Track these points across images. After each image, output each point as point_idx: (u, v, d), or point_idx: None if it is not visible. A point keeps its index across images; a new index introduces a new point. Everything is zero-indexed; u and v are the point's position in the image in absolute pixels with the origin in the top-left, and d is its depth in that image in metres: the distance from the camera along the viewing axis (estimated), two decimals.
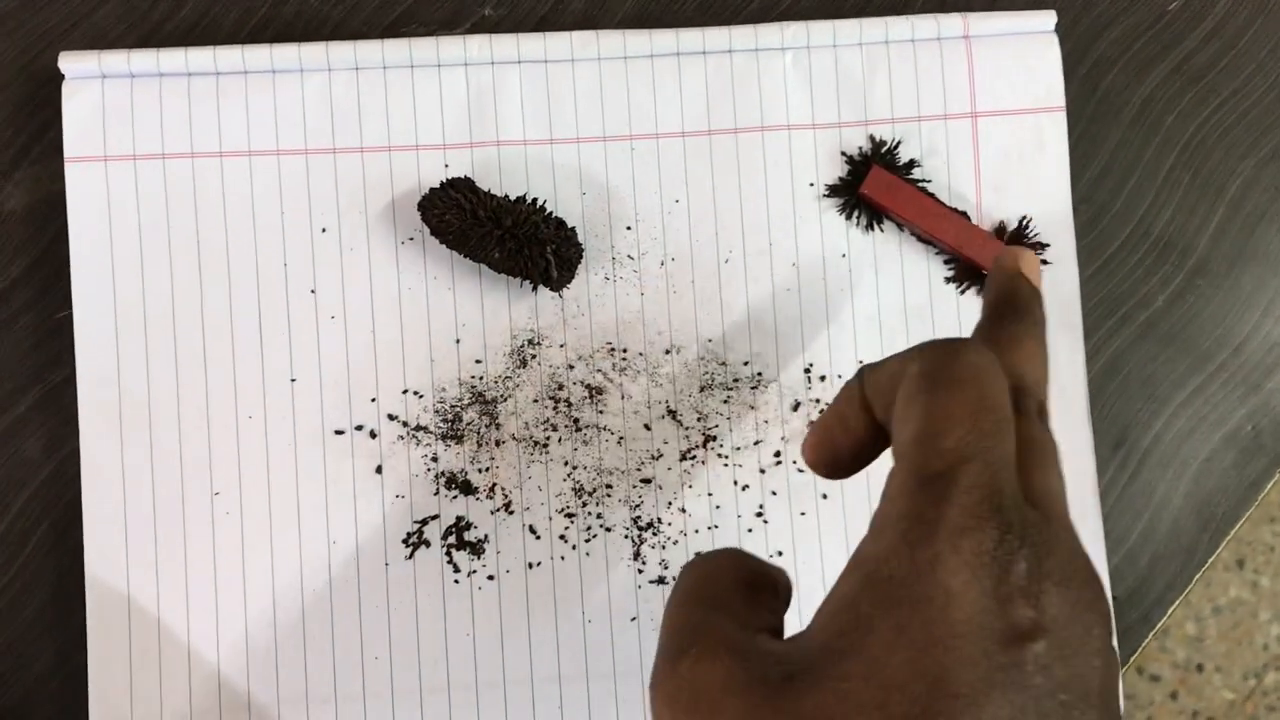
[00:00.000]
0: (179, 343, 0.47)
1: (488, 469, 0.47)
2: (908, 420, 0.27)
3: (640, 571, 0.47)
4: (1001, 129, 0.49)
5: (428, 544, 0.47)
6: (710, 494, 0.48)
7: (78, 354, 0.46)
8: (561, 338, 0.48)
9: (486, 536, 0.47)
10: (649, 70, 0.48)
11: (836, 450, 0.31)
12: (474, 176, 0.48)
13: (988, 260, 0.48)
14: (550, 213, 0.47)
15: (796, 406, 0.48)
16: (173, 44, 0.48)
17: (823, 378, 0.48)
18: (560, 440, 0.48)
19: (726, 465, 0.48)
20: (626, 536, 0.47)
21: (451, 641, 0.47)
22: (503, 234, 0.45)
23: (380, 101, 0.48)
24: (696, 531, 0.48)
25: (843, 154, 0.49)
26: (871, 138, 0.49)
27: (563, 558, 0.47)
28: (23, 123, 0.48)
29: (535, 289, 0.48)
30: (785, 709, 0.24)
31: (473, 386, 0.48)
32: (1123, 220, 0.50)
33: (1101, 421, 0.49)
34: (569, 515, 0.47)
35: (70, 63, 0.46)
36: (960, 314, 0.49)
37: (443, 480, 0.47)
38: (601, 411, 0.48)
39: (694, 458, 0.48)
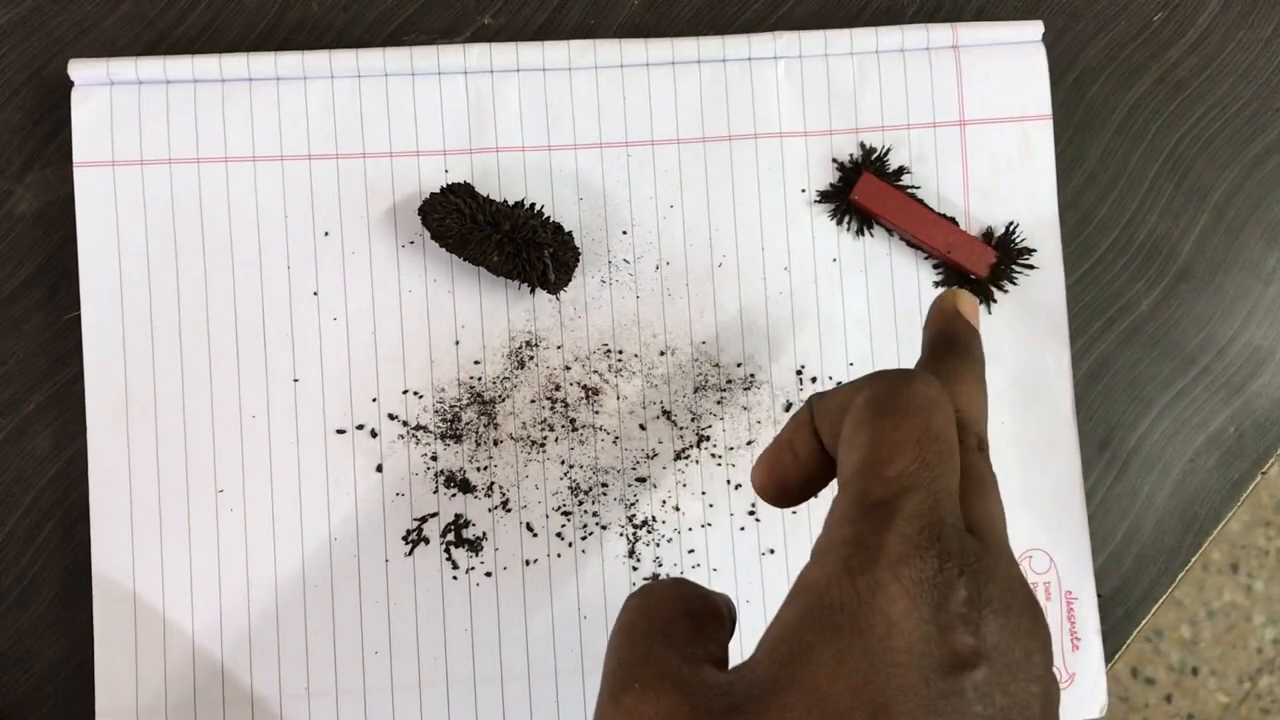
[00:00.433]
0: (184, 343, 0.48)
1: (486, 468, 0.49)
2: (854, 448, 0.27)
3: (635, 569, 0.48)
4: (989, 137, 0.50)
5: (427, 541, 0.48)
6: (704, 493, 0.49)
7: (85, 354, 0.48)
8: (558, 339, 0.49)
9: (485, 534, 0.48)
10: (645, 78, 0.50)
11: (785, 478, 0.31)
12: (473, 182, 0.49)
13: (976, 265, 0.49)
14: (548, 217, 0.48)
15: (788, 407, 0.49)
16: (179, 52, 0.49)
17: (814, 379, 0.49)
18: (557, 440, 0.49)
19: (720, 465, 0.49)
20: (622, 534, 0.49)
21: (450, 637, 0.48)
22: (501, 238, 0.46)
23: (382, 108, 0.49)
24: (690, 530, 0.49)
25: (834, 160, 0.50)
26: (862, 145, 0.50)
27: (559, 555, 0.48)
28: (33, 128, 0.49)
29: (533, 292, 0.49)
30: None
31: (471, 387, 0.49)
32: (1108, 226, 0.51)
33: (1087, 423, 0.51)
34: (565, 513, 0.49)
35: (79, 70, 0.48)
36: None
37: (442, 479, 0.48)
38: (597, 412, 0.49)
39: (688, 457, 0.49)
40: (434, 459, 0.48)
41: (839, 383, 0.49)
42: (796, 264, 0.50)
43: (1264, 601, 1.43)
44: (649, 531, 0.49)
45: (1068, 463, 0.50)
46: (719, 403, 0.49)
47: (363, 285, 0.49)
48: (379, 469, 0.48)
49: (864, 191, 0.49)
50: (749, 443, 0.49)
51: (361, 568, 0.48)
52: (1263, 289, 0.51)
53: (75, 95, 0.48)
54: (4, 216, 0.49)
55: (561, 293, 0.49)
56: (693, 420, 0.49)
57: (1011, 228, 0.50)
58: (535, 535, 0.48)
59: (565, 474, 0.49)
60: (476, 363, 0.49)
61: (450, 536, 0.48)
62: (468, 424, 0.49)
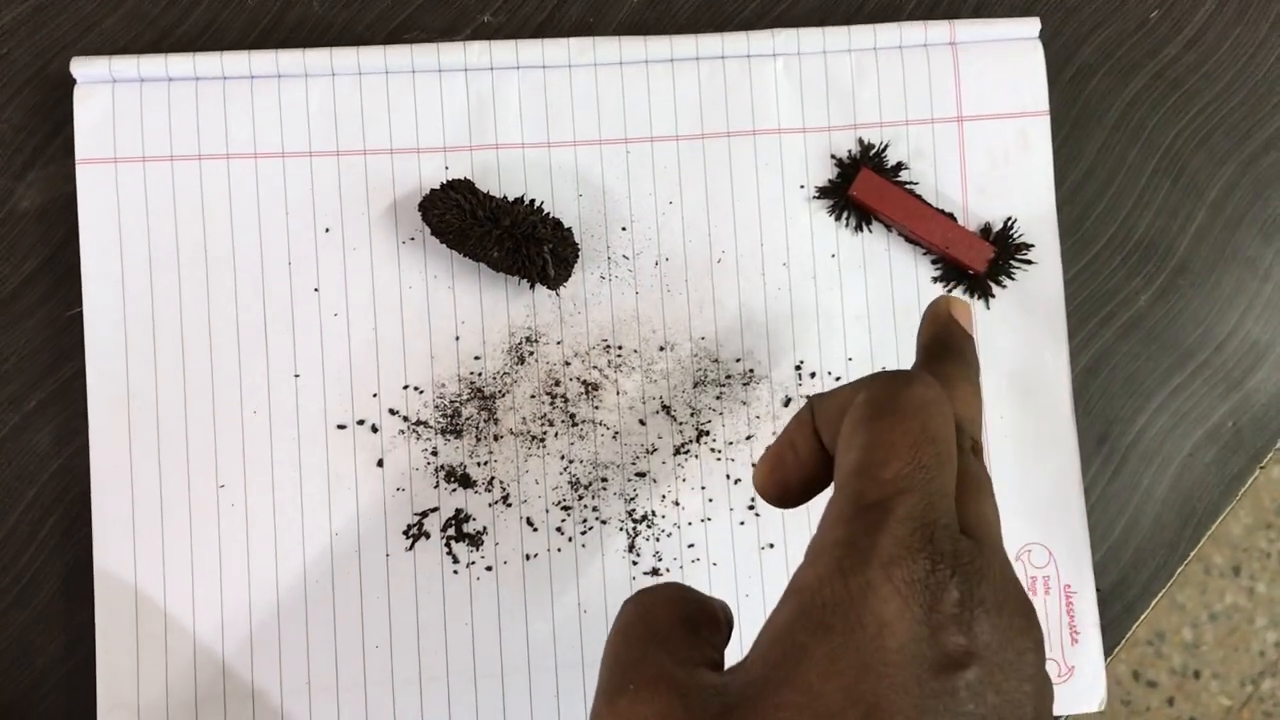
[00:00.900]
0: (186, 339, 0.48)
1: (486, 463, 0.49)
2: (850, 449, 0.28)
3: (635, 563, 0.49)
4: (987, 133, 0.50)
5: (427, 536, 0.48)
6: (703, 487, 0.49)
7: (87, 350, 0.48)
8: (558, 335, 0.49)
9: (485, 529, 0.48)
10: (644, 76, 0.50)
11: (787, 478, 0.31)
12: (474, 179, 0.49)
13: (974, 260, 0.49)
14: (547, 214, 0.48)
15: (787, 402, 0.49)
16: (181, 49, 0.50)
17: (813, 374, 0.50)
18: (557, 435, 0.49)
19: (719, 459, 0.49)
20: (621, 529, 0.49)
21: (451, 631, 0.48)
22: (501, 233, 0.47)
23: (382, 106, 0.49)
24: (690, 524, 0.49)
25: (832, 157, 0.50)
26: (860, 141, 0.50)
27: (559, 550, 0.49)
28: (36, 126, 0.49)
29: (533, 288, 0.49)
30: None
31: (472, 382, 0.49)
32: (1106, 222, 0.51)
33: (1085, 418, 0.51)
34: (565, 508, 0.49)
35: (82, 68, 0.48)
36: None
37: (442, 474, 0.49)
38: (597, 407, 0.49)
39: (687, 452, 0.49)
40: (434, 454, 0.49)
41: (838, 378, 0.50)
42: (795, 260, 0.50)
43: (1267, 604, 1.43)
44: (649, 526, 0.49)
45: (1066, 457, 0.50)
46: (718, 398, 0.49)
47: (363, 281, 0.49)
48: (380, 464, 0.48)
49: (862, 187, 0.49)
50: (748, 438, 0.49)
51: (362, 562, 0.48)
52: (1260, 284, 0.52)
53: (78, 93, 0.48)
54: (7, 213, 0.49)
55: (561, 288, 0.49)
56: (692, 415, 0.49)
57: (1009, 223, 0.50)
58: (535, 530, 0.49)
59: (565, 469, 0.49)
60: (477, 358, 0.49)
61: (451, 531, 0.48)
62: (468, 419, 0.49)
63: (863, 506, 0.26)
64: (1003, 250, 0.50)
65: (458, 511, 0.48)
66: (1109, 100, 0.52)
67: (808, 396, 0.31)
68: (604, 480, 0.49)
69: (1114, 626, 0.50)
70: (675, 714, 0.25)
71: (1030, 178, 0.51)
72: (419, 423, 0.49)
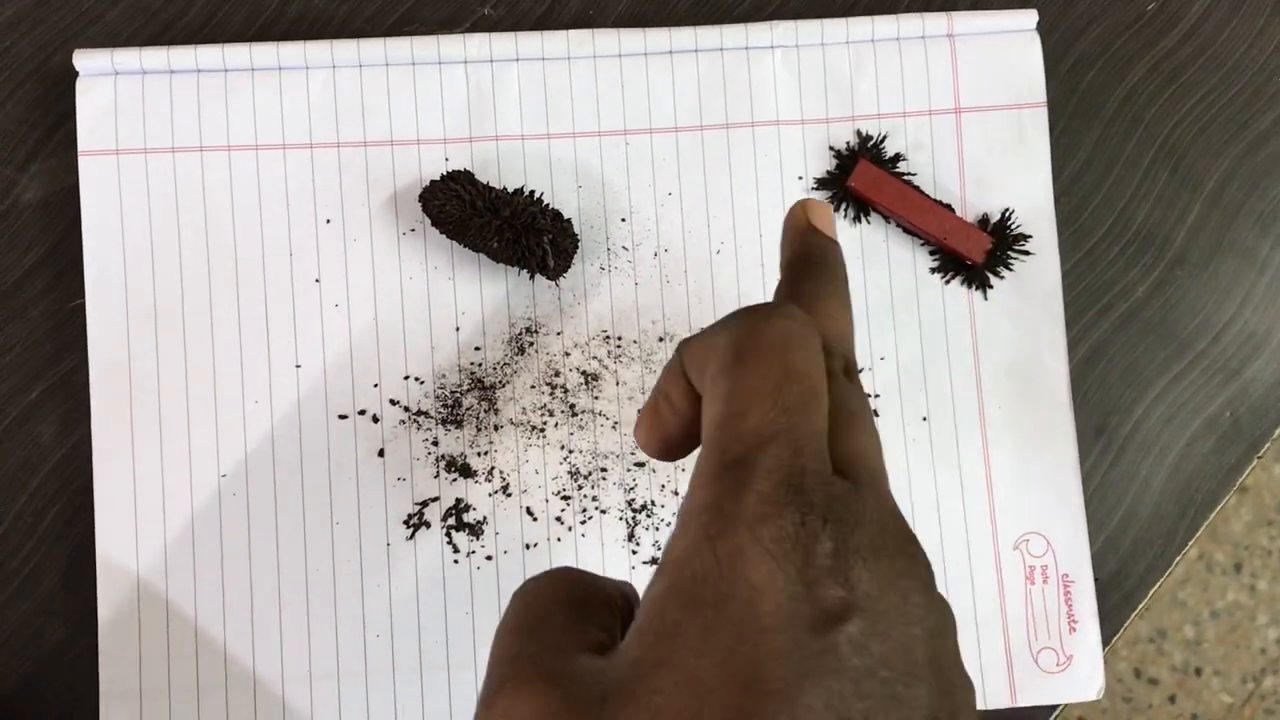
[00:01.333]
0: (187, 330, 0.48)
1: (486, 453, 0.49)
2: (714, 401, 0.26)
3: (634, 553, 0.49)
4: (985, 124, 0.51)
5: (428, 525, 0.48)
6: None
7: (90, 341, 0.48)
8: (558, 326, 0.49)
9: (485, 518, 0.49)
10: (643, 67, 0.50)
11: (666, 431, 0.29)
12: (473, 170, 0.49)
13: (972, 251, 0.49)
14: (547, 205, 0.48)
15: None
16: (183, 42, 0.50)
17: None
18: (557, 425, 0.49)
19: None
20: (621, 519, 0.49)
21: (451, 620, 0.48)
22: (501, 224, 0.47)
23: (383, 97, 0.49)
24: None
25: (830, 148, 0.50)
26: (858, 132, 0.50)
27: (559, 539, 0.49)
28: (39, 118, 0.50)
29: (533, 278, 0.49)
30: (590, 716, 0.23)
31: (472, 373, 0.49)
32: (1103, 213, 0.52)
33: (1083, 408, 0.51)
34: (565, 498, 0.49)
35: (84, 60, 0.48)
36: (945, 303, 0.50)
37: (443, 463, 0.49)
38: (597, 397, 0.49)
39: None
40: (435, 444, 0.49)
41: None
42: None
43: (1268, 602, 1.43)
44: (648, 515, 0.49)
45: (1064, 447, 0.50)
46: None
47: (364, 272, 0.49)
48: (380, 454, 0.49)
49: (861, 179, 0.49)
50: None
51: (363, 552, 0.48)
52: (1257, 274, 0.52)
53: (80, 85, 0.48)
54: (10, 205, 0.49)
55: (561, 279, 0.49)
56: None
57: (1007, 214, 0.50)
58: (535, 519, 0.49)
59: (565, 459, 0.49)
60: (477, 349, 0.49)
61: (451, 521, 0.49)
62: (468, 409, 0.49)
63: (727, 464, 0.24)
64: (1000, 241, 0.50)
65: (458, 501, 0.49)
66: (1106, 92, 0.52)
67: (678, 345, 0.29)
68: (603, 470, 0.49)
69: (1112, 616, 0.50)
70: (553, 706, 0.23)
71: (1028, 169, 0.51)
72: (420, 413, 0.49)
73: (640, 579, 0.49)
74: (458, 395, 0.49)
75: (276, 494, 0.48)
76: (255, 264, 0.49)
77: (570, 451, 0.49)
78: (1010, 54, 0.51)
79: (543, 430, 0.49)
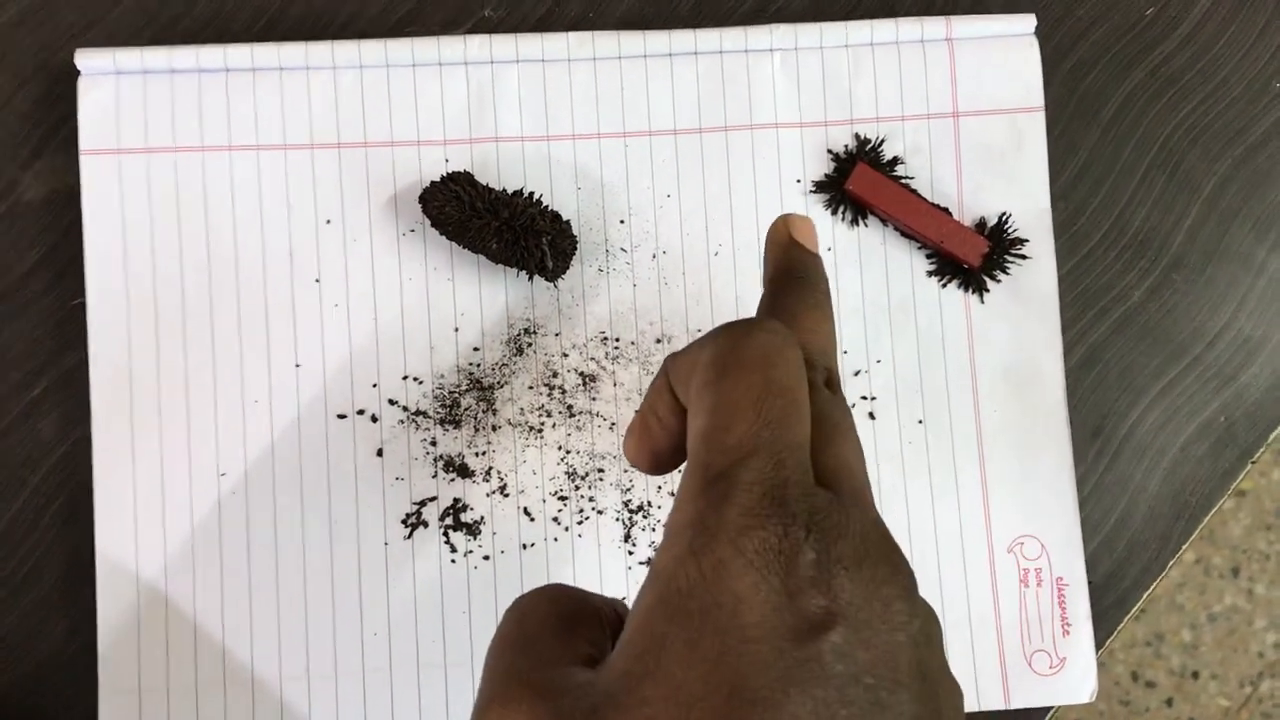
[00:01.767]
0: (188, 329, 0.49)
1: (484, 453, 0.49)
2: (697, 415, 0.26)
3: (630, 553, 0.49)
4: (983, 128, 0.51)
5: (426, 525, 0.49)
6: None
7: (90, 339, 0.48)
8: (556, 327, 0.50)
9: (483, 518, 0.49)
10: (643, 70, 0.50)
11: (655, 445, 0.30)
12: (473, 171, 0.49)
13: (969, 255, 0.49)
14: (546, 206, 0.48)
15: None
16: (184, 42, 0.50)
17: None
18: (554, 426, 0.49)
19: None
20: (618, 519, 0.49)
21: (448, 619, 0.48)
22: (500, 225, 0.47)
23: (383, 98, 0.50)
24: None
25: (829, 151, 0.51)
26: (857, 136, 0.51)
27: (556, 539, 0.49)
28: (41, 117, 0.50)
29: (531, 280, 0.50)
30: None
31: (470, 373, 0.49)
32: (1100, 217, 0.52)
33: (1079, 412, 0.51)
34: (562, 498, 0.49)
35: (86, 59, 0.48)
36: (941, 306, 0.50)
37: (441, 463, 0.49)
38: (594, 398, 0.50)
39: None
40: (433, 444, 0.49)
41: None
42: None
43: (1265, 606, 1.43)
44: (644, 516, 0.49)
45: (1059, 450, 0.50)
46: None
47: (364, 272, 0.49)
48: (379, 453, 0.49)
49: (859, 182, 0.49)
50: None
51: (361, 551, 0.48)
52: (1253, 279, 0.52)
53: (82, 84, 0.49)
54: (12, 204, 0.49)
55: (559, 281, 0.50)
56: None
57: (1004, 218, 0.50)
58: (532, 520, 0.49)
59: (562, 459, 0.49)
60: (476, 349, 0.49)
61: (449, 520, 0.49)
62: (467, 410, 0.49)
63: (710, 479, 0.25)
64: (997, 245, 0.50)
65: (456, 501, 0.49)
66: (1104, 96, 0.52)
67: (664, 360, 0.30)
68: (600, 471, 0.49)
69: (1106, 619, 0.51)
70: (542, 719, 0.24)
71: (1025, 173, 0.51)
72: (418, 413, 0.49)
73: (637, 579, 0.49)
74: (456, 395, 0.49)
75: (275, 493, 0.48)
76: (255, 264, 0.49)
77: (567, 452, 0.49)
78: (1009, 58, 0.51)
79: (540, 431, 0.49)
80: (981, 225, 0.51)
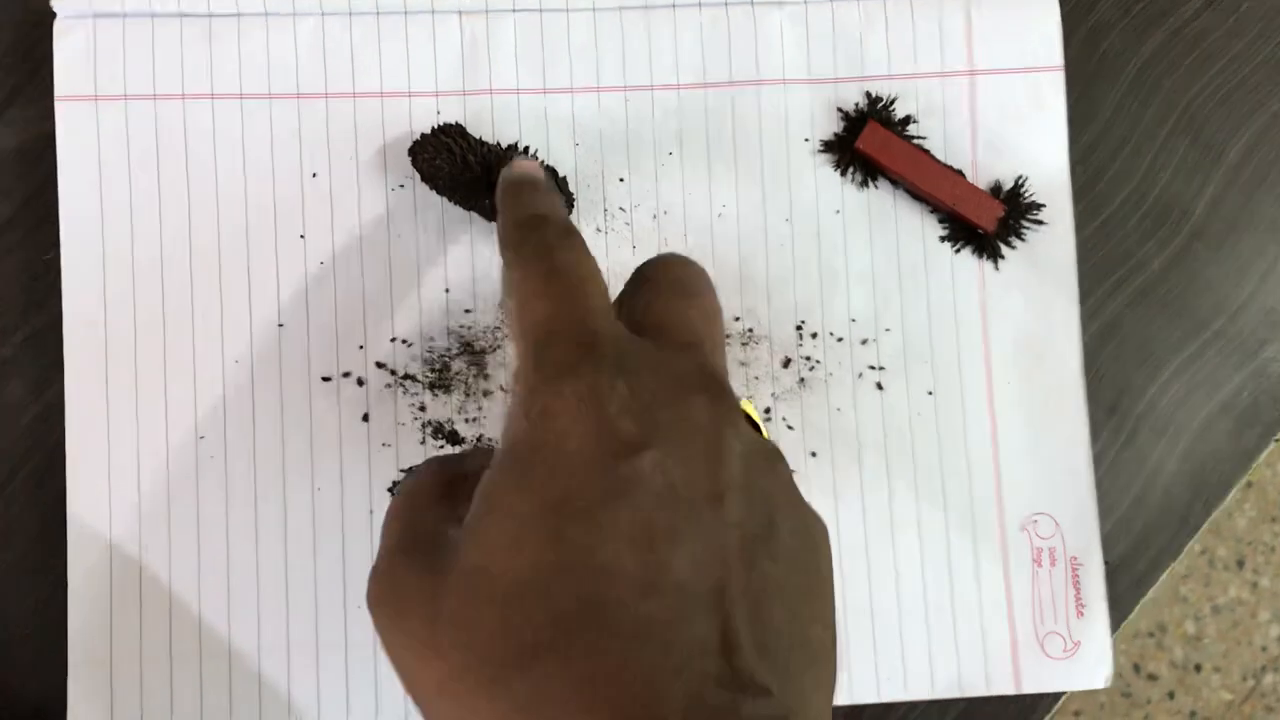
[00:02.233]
0: (166, 286, 0.46)
1: (475, 419, 0.47)
2: (511, 311, 0.31)
3: None
4: (999, 88, 0.49)
5: None
6: None
7: (64, 295, 0.46)
8: None
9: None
10: (644, 21, 0.48)
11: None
12: (466, 124, 0.47)
13: (983, 219, 0.47)
14: (542, 162, 0.46)
15: (787, 363, 0.48)
16: None
17: (814, 335, 0.48)
18: None
19: None
20: None
21: None
22: (493, 181, 0.45)
23: (373, 47, 0.47)
24: None
25: (838, 110, 0.48)
26: (868, 94, 0.48)
27: None
28: (14, 63, 0.48)
29: None
30: (445, 573, 0.26)
31: (461, 336, 0.47)
32: (1120, 182, 0.50)
33: (1095, 386, 0.49)
34: None
35: (62, 1, 0.46)
36: (954, 273, 0.48)
37: (429, 429, 0.47)
38: None
39: None
40: (422, 409, 0.47)
41: (840, 338, 0.48)
42: (798, 216, 0.48)
43: (1270, 598, 1.41)
44: None
45: (1075, 426, 0.48)
46: None
47: (351, 229, 0.47)
48: (365, 418, 0.47)
49: (869, 140, 0.47)
50: (747, 398, 0.48)
51: (345, 518, 0.46)
52: (1279, 250, 0.50)
53: (57, 27, 0.46)
54: None
55: None
56: None
57: (1020, 181, 0.48)
58: None
59: None
60: (467, 311, 0.47)
61: None
62: (457, 374, 0.47)
63: (531, 354, 0.28)
64: (1013, 209, 0.48)
65: None
66: (1125, 57, 0.50)
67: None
68: None
69: (1121, 601, 0.48)
70: (416, 566, 0.28)
71: (1043, 135, 0.49)
72: (406, 376, 0.47)
73: None
74: (446, 359, 0.47)
75: (255, 457, 0.46)
76: (238, 218, 0.47)
77: None
78: (1027, 15, 0.49)
79: None
80: (997, 189, 0.48)
